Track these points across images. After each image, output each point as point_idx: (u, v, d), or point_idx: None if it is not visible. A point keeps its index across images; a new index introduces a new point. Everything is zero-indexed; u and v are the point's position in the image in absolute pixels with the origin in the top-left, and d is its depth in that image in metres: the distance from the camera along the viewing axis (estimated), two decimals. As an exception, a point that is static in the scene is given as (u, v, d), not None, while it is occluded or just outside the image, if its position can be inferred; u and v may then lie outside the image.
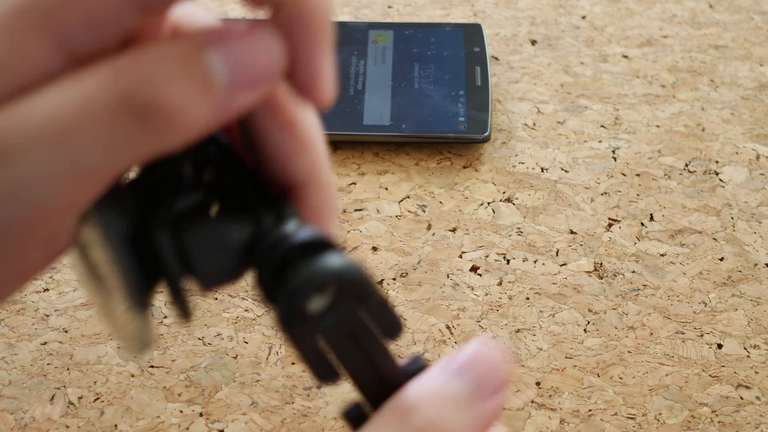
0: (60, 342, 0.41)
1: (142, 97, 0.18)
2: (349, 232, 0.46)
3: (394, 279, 0.44)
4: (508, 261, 0.45)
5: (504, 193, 0.49)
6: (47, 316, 0.42)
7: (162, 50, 0.18)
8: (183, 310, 0.22)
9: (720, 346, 0.41)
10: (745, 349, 0.41)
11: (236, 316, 0.41)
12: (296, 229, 0.21)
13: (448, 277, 0.44)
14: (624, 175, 0.50)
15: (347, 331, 0.22)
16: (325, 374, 0.23)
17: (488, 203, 0.48)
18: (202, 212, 0.21)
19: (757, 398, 0.39)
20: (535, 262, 0.45)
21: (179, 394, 0.39)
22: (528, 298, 0.43)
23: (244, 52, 0.19)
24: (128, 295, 0.21)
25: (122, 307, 0.21)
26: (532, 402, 0.39)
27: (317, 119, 0.23)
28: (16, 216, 0.18)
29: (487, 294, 0.43)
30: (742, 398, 0.39)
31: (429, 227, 0.47)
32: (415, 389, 0.21)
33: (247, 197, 0.22)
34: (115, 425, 0.38)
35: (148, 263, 0.21)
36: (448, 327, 0.42)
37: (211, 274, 0.21)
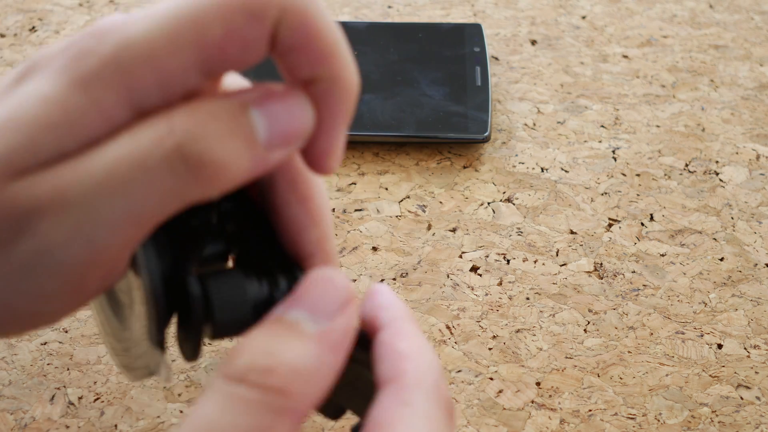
0: (60, 342, 0.41)
1: (196, 151, 0.20)
2: (349, 232, 0.46)
3: (394, 279, 0.44)
4: (508, 261, 0.45)
5: (504, 193, 0.49)
6: (47, 316, 0.42)
7: (212, 107, 0.20)
8: (195, 352, 0.23)
9: (720, 346, 0.41)
10: (745, 349, 0.41)
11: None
12: None
13: (448, 277, 0.44)
14: (624, 175, 0.50)
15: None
16: (333, 413, 0.25)
17: (488, 203, 0.48)
18: (226, 266, 0.23)
19: (757, 398, 0.39)
20: (535, 262, 0.45)
21: (179, 394, 0.39)
22: (528, 298, 0.43)
23: (281, 113, 0.21)
24: (155, 328, 0.22)
25: (143, 339, 0.23)
26: (532, 402, 0.39)
27: (326, 195, 0.26)
28: (77, 256, 0.20)
29: (487, 294, 0.43)
30: (742, 398, 0.39)
31: (429, 227, 0.47)
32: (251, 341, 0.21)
33: (265, 255, 0.24)
34: (115, 425, 0.38)
35: (171, 302, 0.22)
36: (448, 327, 0.42)
37: (225, 325, 0.22)
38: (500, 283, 0.44)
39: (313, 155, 0.23)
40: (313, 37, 0.22)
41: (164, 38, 0.20)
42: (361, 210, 0.48)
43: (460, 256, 0.45)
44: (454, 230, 0.47)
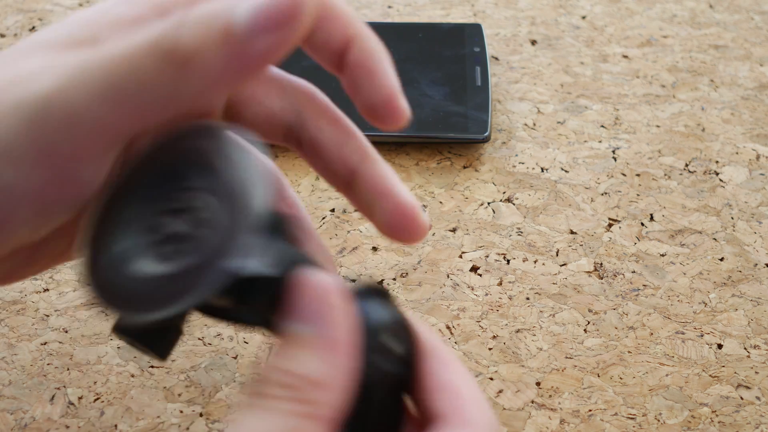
0: (60, 342, 0.41)
1: (170, 39, 0.21)
2: (349, 232, 0.46)
3: (394, 279, 0.44)
4: (508, 261, 0.45)
5: (504, 193, 0.49)
6: (47, 316, 0.42)
7: (206, 4, 0.22)
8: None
9: (720, 346, 0.41)
10: (745, 349, 0.41)
11: (236, 316, 0.41)
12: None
13: (448, 277, 0.44)
14: (624, 175, 0.50)
15: None
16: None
17: (488, 203, 0.48)
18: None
19: (757, 398, 0.39)
20: (535, 262, 0.45)
21: (179, 395, 0.39)
22: (528, 298, 0.43)
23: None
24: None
25: None
26: (532, 402, 0.39)
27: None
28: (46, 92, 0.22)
29: (487, 294, 0.43)
30: (742, 398, 0.39)
31: (429, 227, 0.47)
32: None
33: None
34: (115, 425, 0.38)
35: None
36: (448, 327, 0.42)
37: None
38: (500, 283, 0.44)
39: (379, 100, 0.25)
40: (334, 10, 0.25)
41: None
42: (361, 210, 0.48)
43: (460, 256, 0.45)
44: (454, 230, 0.47)
